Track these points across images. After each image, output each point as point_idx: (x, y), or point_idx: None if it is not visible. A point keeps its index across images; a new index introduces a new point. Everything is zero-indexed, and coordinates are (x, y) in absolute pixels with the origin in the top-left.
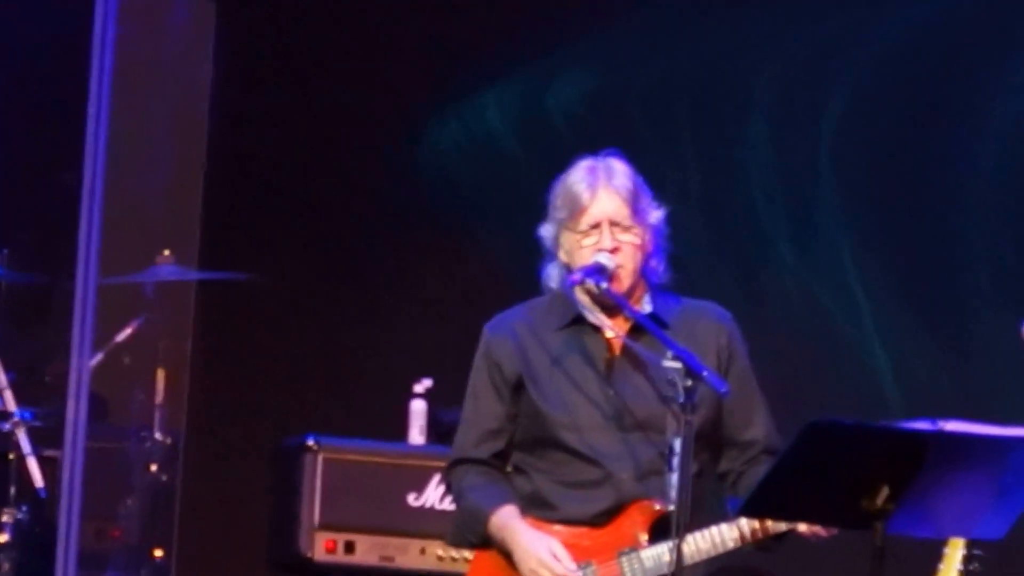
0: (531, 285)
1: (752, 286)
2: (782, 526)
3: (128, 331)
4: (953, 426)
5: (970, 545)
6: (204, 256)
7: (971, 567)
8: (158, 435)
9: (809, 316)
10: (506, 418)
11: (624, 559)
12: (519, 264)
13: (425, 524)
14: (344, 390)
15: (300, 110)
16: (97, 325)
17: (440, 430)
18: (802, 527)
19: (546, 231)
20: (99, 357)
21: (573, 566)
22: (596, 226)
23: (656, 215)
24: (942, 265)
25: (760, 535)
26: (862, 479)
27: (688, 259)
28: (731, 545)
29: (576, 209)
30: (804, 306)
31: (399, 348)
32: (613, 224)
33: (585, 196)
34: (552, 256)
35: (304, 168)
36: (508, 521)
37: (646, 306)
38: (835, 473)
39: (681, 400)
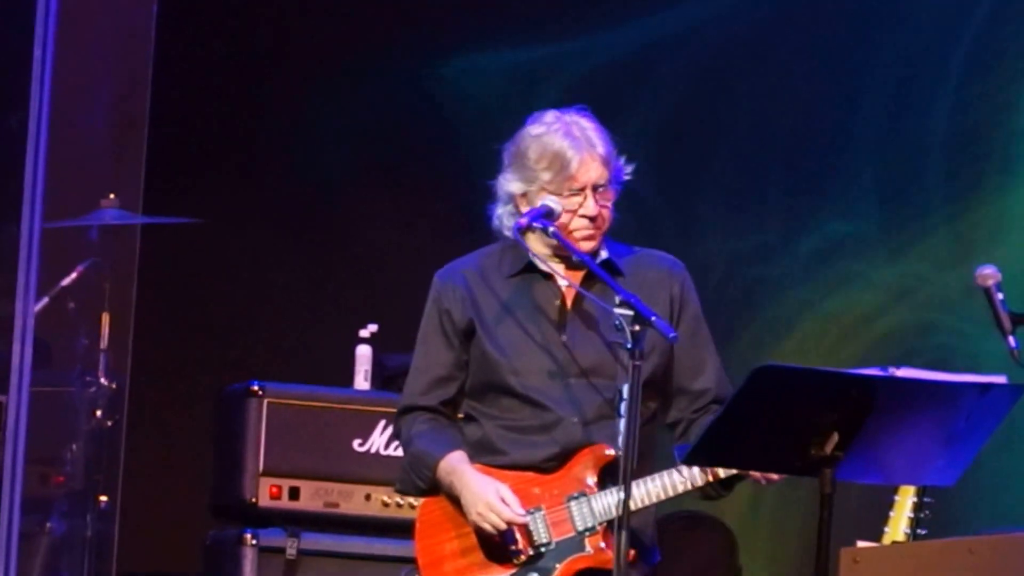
0: (477, 231)
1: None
2: (732, 470)
3: (73, 275)
4: (903, 372)
5: (921, 492)
6: (148, 200)
7: (922, 515)
8: (103, 380)
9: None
10: (455, 365)
11: (573, 503)
12: (465, 210)
13: (370, 470)
14: (289, 335)
15: (245, 52)
16: (42, 269)
17: (385, 375)
18: (753, 472)
19: (512, 185)
20: (44, 301)
21: (521, 511)
22: (579, 191)
23: (626, 170)
24: None
25: (711, 478)
26: (811, 425)
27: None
28: (681, 489)
29: (563, 175)
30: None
31: (345, 293)
32: (594, 189)
33: (573, 163)
34: (506, 203)
35: (249, 112)
36: (456, 466)
37: (602, 253)
38: (784, 419)
39: (629, 345)
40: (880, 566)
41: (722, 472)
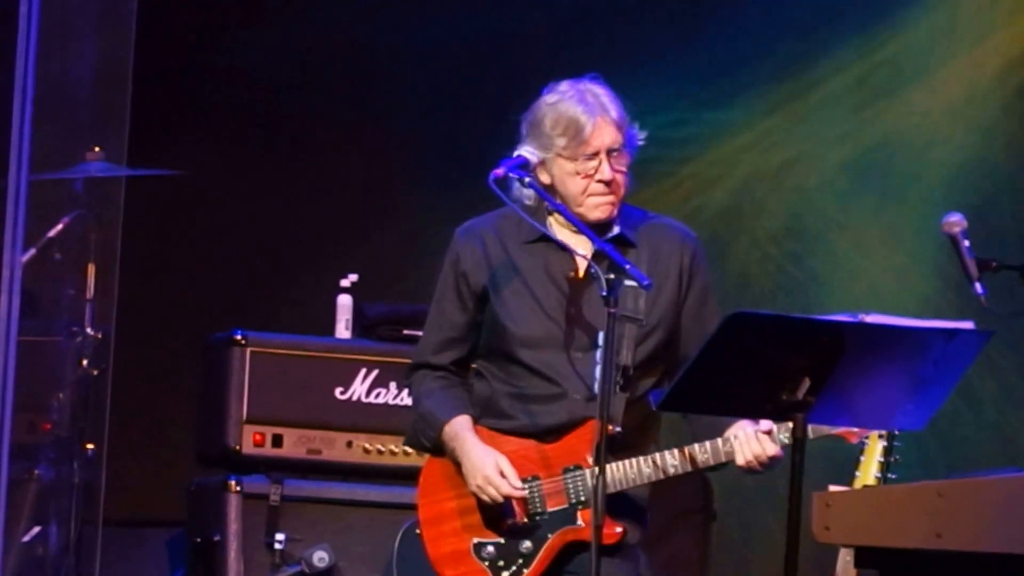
0: (457, 185)
1: None
2: (732, 453)
3: (59, 227)
4: (872, 318)
5: (891, 437)
6: (133, 153)
7: (892, 459)
8: (89, 329)
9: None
10: (468, 327)
11: (569, 476)
12: (446, 164)
13: (351, 417)
14: (272, 285)
15: (228, 6)
16: (29, 221)
17: (365, 324)
18: (739, 460)
19: (529, 154)
20: (31, 252)
21: (519, 483)
22: (593, 155)
23: (640, 136)
24: None
25: (712, 462)
26: (782, 371)
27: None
28: (680, 470)
29: (578, 140)
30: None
31: (326, 243)
32: (608, 154)
33: (587, 128)
34: (526, 174)
35: (231, 64)
36: (459, 432)
37: (615, 228)
38: (755, 365)
39: (604, 293)
40: (852, 510)
41: (724, 457)
